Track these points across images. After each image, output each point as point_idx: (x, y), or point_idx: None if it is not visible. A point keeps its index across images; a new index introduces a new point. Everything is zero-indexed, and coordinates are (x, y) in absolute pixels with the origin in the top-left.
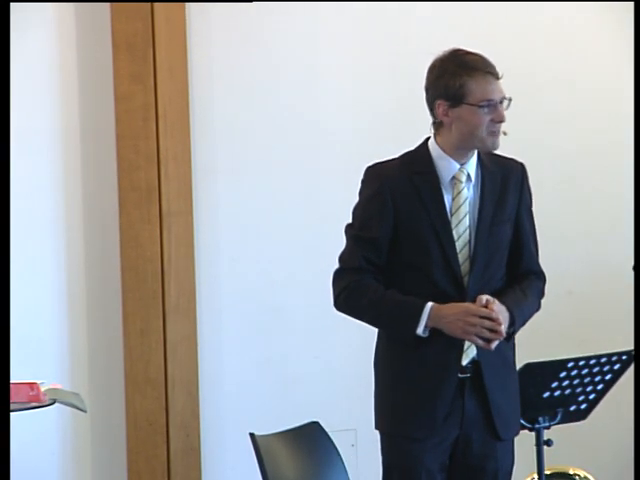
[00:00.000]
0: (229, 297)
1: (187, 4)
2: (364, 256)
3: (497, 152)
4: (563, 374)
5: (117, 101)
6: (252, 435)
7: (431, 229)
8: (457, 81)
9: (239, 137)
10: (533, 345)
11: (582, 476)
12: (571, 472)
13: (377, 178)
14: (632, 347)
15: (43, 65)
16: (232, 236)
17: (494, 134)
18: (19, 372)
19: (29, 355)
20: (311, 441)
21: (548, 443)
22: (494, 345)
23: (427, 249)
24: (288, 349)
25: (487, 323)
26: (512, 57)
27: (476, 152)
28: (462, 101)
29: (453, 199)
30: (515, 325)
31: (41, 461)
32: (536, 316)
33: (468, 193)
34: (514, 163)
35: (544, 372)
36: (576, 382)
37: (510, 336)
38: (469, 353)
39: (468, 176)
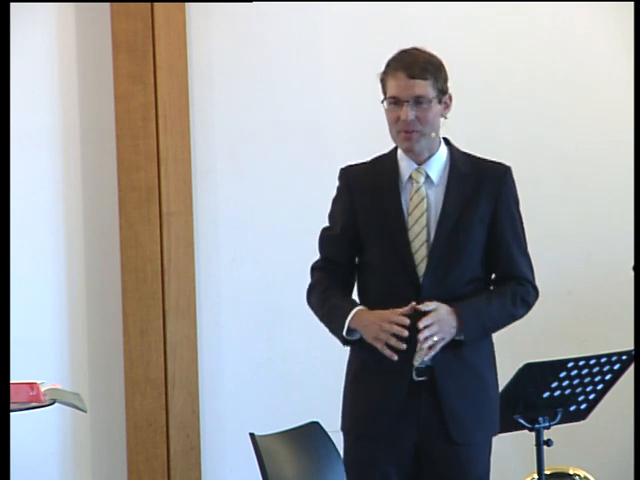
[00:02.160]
0: (229, 297)
1: (187, 4)
2: (327, 256)
3: (484, 156)
4: (563, 374)
5: (117, 101)
6: (252, 435)
7: (385, 229)
8: (381, 78)
9: (239, 137)
10: (533, 345)
11: (582, 476)
12: (571, 472)
13: (342, 179)
14: (632, 347)
15: (43, 65)
16: (232, 236)
17: (404, 134)
18: (19, 372)
19: (29, 355)
20: (311, 441)
21: (548, 443)
22: (429, 355)
23: (382, 248)
24: (288, 349)
25: (395, 329)
26: (512, 57)
27: (444, 154)
28: (385, 98)
29: (410, 199)
30: (467, 333)
31: (41, 461)
32: (536, 316)
33: (426, 193)
34: (496, 166)
35: (544, 372)
36: (576, 382)
37: (460, 342)
38: (421, 354)
39: (427, 176)
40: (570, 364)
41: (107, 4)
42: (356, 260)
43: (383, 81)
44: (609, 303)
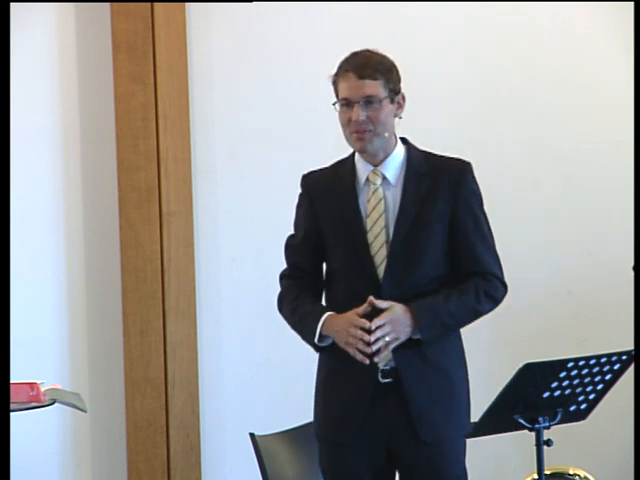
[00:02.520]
0: (229, 297)
1: (187, 4)
2: (293, 263)
3: (442, 153)
4: (563, 374)
5: (117, 101)
6: (252, 435)
7: (345, 231)
8: (332, 80)
9: (239, 137)
10: (533, 345)
11: (582, 476)
12: (571, 472)
13: (303, 185)
14: (632, 347)
15: (43, 65)
16: (232, 236)
17: (356, 134)
18: (19, 372)
19: (29, 355)
20: (311, 441)
21: (548, 443)
22: (380, 357)
23: (342, 252)
24: (288, 349)
25: (359, 333)
26: (512, 57)
27: (400, 154)
28: (337, 100)
29: (367, 201)
30: (423, 331)
31: (41, 461)
32: (536, 316)
33: (384, 194)
34: (454, 164)
35: (544, 372)
36: (576, 382)
37: (420, 341)
38: (387, 356)
39: (384, 178)
40: (570, 364)
41: (107, 4)
42: (323, 266)
43: (335, 84)
44: (609, 303)
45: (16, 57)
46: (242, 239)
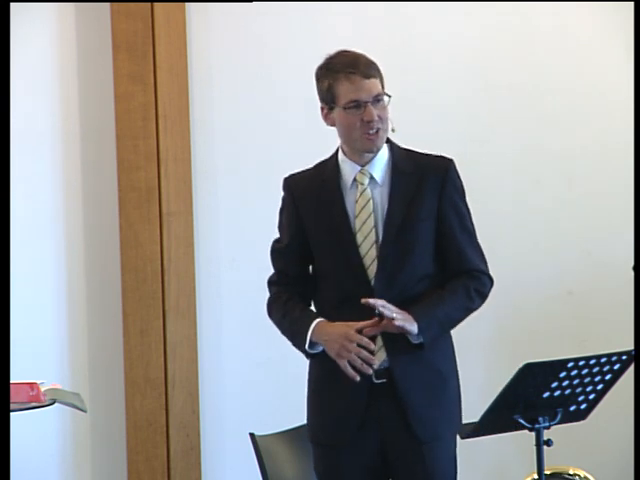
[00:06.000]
0: (229, 297)
1: (187, 4)
2: (279, 268)
3: (424, 150)
4: (563, 374)
5: (117, 101)
6: (252, 435)
7: (333, 233)
8: (325, 84)
9: (239, 137)
10: (533, 345)
11: (582, 476)
12: (571, 472)
13: (286, 189)
14: (632, 347)
15: (43, 65)
16: (232, 236)
17: (368, 135)
18: (19, 372)
19: (29, 355)
20: None
21: (548, 443)
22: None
23: (331, 254)
24: (288, 349)
25: (363, 354)
26: (512, 58)
27: (385, 153)
28: (334, 104)
29: (356, 201)
30: (425, 336)
31: (41, 461)
32: (536, 316)
33: (372, 194)
34: (438, 161)
35: (544, 372)
36: (576, 382)
37: (421, 345)
38: (379, 356)
39: (372, 177)
40: (570, 364)
41: (107, 4)
42: (310, 269)
43: (332, 87)
44: (609, 303)
45: (16, 57)
46: (242, 239)
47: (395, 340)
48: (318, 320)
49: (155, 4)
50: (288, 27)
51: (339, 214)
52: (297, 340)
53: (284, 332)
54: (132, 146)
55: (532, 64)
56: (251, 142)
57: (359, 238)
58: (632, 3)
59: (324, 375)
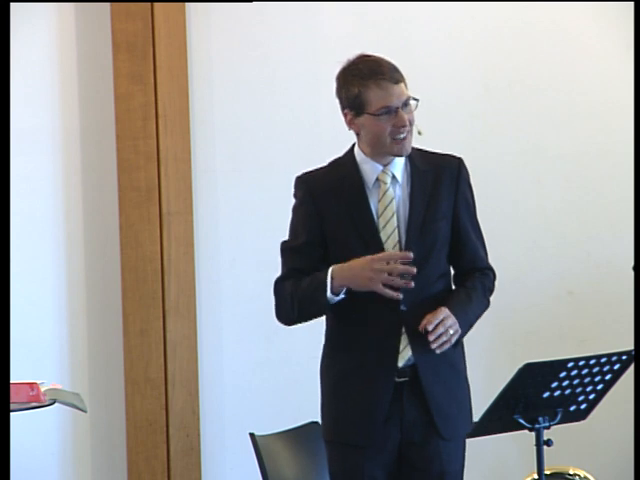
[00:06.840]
0: (229, 297)
1: (187, 4)
2: (292, 266)
3: (433, 149)
4: (563, 374)
5: (117, 100)
6: (252, 435)
7: (356, 233)
8: (353, 91)
9: (239, 137)
10: (533, 345)
11: (582, 476)
12: (571, 472)
13: (302, 187)
14: (632, 347)
15: (43, 65)
16: (232, 236)
17: (399, 140)
18: (19, 372)
19: (29, 355)
20: (311, 441)
21: (548, 443)
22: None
23: (354, 253)
24: (288, 349)
25: (399, 267)
26: (512, 57)
27: None
28: (363, 111)
29: (379, 201)
30: (460, 332)
31: (41, 461)
32: (536, 316)
33: (394, 194)
34: (450, 159)
35: (544, 372)
36: (576, 382)
37: (457, 342)
38: (404, 355)
39: (393, 177)
40: (570, 364)
41: (107, 4)
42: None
43: (361, 94)
44: (609, 303)
45: (16, 57)
46: (242, 239)
47: (421, 337)
48: (333, 266)
49: (155, 4)
50: (288, 27)
51: (363, 212)
52: (317, 295)
53: (300, 299)
54: (132, 146)
55: (532, 64)
56: (251, 142)
57: (383, 237)
58: (632, 3)
59: (344, 372)
